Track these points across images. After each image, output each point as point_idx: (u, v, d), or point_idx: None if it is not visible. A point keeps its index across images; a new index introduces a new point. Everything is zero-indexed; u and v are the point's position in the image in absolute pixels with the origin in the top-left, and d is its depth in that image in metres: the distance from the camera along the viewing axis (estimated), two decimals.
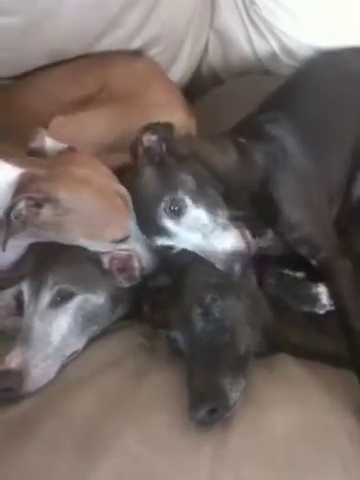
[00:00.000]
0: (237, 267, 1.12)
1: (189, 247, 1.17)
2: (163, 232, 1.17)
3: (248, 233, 1.15)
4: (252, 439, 0.94)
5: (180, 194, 1.16)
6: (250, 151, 1.29)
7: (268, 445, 0.93)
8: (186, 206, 1.16)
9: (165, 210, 1.15)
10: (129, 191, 1.19)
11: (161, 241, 1.19)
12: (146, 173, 1.19)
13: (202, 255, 1.15)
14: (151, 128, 1.20)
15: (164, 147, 1.20)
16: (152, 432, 0.96)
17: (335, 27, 1.62)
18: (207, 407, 0.94)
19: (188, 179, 1.18)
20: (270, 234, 1.25)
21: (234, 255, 1.12)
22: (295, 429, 0.96)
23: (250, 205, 1.24)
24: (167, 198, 1.15)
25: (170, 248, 1.20)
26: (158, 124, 1.22)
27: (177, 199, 1.15)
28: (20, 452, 0.96)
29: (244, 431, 0.95)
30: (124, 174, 1.23)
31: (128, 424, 0.97)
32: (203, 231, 1.15)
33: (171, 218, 1.16)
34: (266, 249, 1.25)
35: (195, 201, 1.16)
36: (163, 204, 1.15)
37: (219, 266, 1.13)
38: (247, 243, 1.14)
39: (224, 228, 1.15)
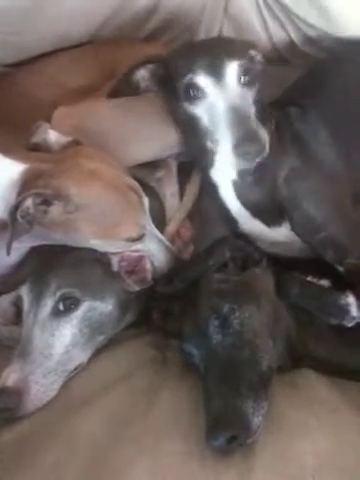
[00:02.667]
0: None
1: None
2: None
3: None
4: (279, 471, 0.86)
5: None
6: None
7: (297, 478, 0.85)
8: None
9: None
10: None
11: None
12: None
13: None
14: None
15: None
16: (165, 462, 0.89)
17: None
18: (227, 434, 0.87)
19: None
20: (284, 229, 1.20)
21: None
22: (327, 458, 0.88)
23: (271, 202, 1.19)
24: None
25: None
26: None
27: None
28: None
29: (269, 462, 0.88)
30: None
31: (138, 452, 0.90)
32: None
33: None
34: (282, 246, 1.20)
35: None
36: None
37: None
38: None
39: None
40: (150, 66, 1.20)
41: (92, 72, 1.42)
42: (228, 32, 1.79)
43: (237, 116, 1.06)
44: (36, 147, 1.12)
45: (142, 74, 1.21)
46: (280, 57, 1.76)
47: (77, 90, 1.38)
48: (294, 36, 1.70)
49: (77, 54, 1.47)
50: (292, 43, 1.71)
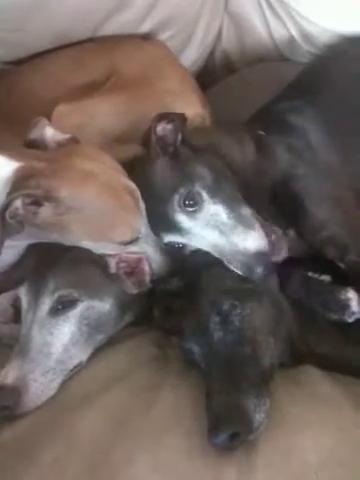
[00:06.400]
0: (259, 270, 1.03)
1: (204, 246, 1.09)
2: (175, 229, 1.09)
3: (276, 229, 1.06)
4: (281, 468, 0.85)
5: (196, 187, 1.08)
6: (270, 144, 1.23)
7: (300, 475, 0.84)
8: (203, 201, 1.07)
9: (179, 204, 1.07)
10: (139, 184, 1.10)
11: (172, 239, 1.11)
12: (159, 164, 1.12)
13: (219, 256, 1.06)
14: (166, 117, 1.13)
15: (179, 137, 1.13)
16: (166, 458, 0.88)
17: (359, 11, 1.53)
18: (229, 431, 0.86)
19: (204, 172, 1.10)
20: (292, 234, 1.17)
21: (256, 256, 1.03)
22: (329, 454, 0.87)
23: (269, 203, 1.17)
24: (182, 191, 1.07)
25: (182, 248, 1.12)
26: (173, 113, 1.15)
27: (193, 192, 1.07)
28: (18, 478, 0.88)
29: (271, 459, 0.86)
30: (134, 167, 1.15)
31: (139, 449, 0.89)
32: (221, 229, 1.06)
33: (185, 213, 1.08)
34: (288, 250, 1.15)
35: (213, 195, 1.08)
36: (177, 197, 1.07)
37: (238, 268, 1.04)
38: (272, 242, 1.04)
39: (246, 225, 1.06)
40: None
41: (92, 70, 1.41)
42: (228, 28, 1.80)
43: None
44: (33, 143, 1.10)
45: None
46: (280, 53, 1.76)
47: (77, 88, 1.37)
48: (294, 32, 1.70)
49: (77, 52, 1.46)
50: (292, 40, 1.71)
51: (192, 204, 1.07)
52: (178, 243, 1.11)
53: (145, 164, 1.14)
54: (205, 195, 1.08)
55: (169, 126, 1.13)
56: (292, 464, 0.86)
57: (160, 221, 1.10)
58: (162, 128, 1.12)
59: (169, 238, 1.10)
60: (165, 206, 1.08)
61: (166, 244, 1.12)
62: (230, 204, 1.08)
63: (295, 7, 1.66)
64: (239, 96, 1.56)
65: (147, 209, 1.10)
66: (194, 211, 1.07)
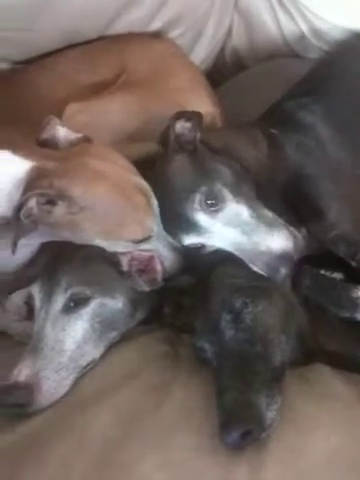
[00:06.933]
0: (283, 270, 1.03)
1: (225, 245, 1.08)
2: (194, 229, 1.07)
3: (297, 232, 1.06)
4: (291, 466, 0.85)
5: (218, 185, 1.06)
6: (281, 142, 1.23)
7: (309, 474, 0.84)
8: (225, 200, 1.06)
9: (200, 203, 1.06)
10: (155, 183, 1.09)
11: (190, 240, 1.09)
12: (178, 160, 1.10)
13: (240, 255, 1.05)
14: (184, 115, 1.13)
15: (198, 136, 1.12)
16: (176, 456, 0.87)
17: None
18: (240, 429, 0.85)
19: (225, 171, 1.09)
20: (303, 232, 1.16)
21: (281, 257, 1.02)
22: (339, 454, 0.86)
23: (281, 201, 1.16)
24: (203, 188, 1.06)
25: (199, 248, 1.10)
26: (192, 112, 1.14)
27: (215, 191, 1.06)
28: (28, 475, 0.88)
29: (281, 457, 0.86)
30: (145, 167, 1.13)
31: (149, 447, 0.89)
32: (243, 228, 1.05)
33: (206, 212, 1.06)
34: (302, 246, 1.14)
35: (236, 195, 1.07)
36: (198, 196, 1.06)
37: (261, 268, 1.03)
38: (295, 243, 1.03)
39: (271, 225, 1.05)
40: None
41: (102, 68, 1.42)
42: (238, 25, 1.79)
43: None
44: (45, 143, 1.10)
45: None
46: (290, 50, 1.75)
47: (87, 87, 1.38)
48: (305, 29, 1.69)
49: (87, 51, 1.46)
50: (303, 36, 1.70)
51: (214, 203, 1.05)
52: (197, 243, 1.10)
53: (163, 161, 1.13)
54: (228, 194, 1.07)
55: (188, 124, 1.12)
56: (302, 463, 0.85)
57: (178, 219, 1.08)
58: (181, 126, 1.12)
59: (188, 240, 1.09)
60: (184, 204, 1.06)
61: (184, 246, 1.10)
62: (252, 204, 1.07)
63: (305, 3, 1.65)
64: (249, 93, 1.56)
65: (165, 207, 1.08)
66: (215, 210, 1.06)
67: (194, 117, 1.13)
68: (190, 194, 1.06)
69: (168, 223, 1.09)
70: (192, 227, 1.07)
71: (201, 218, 1.06)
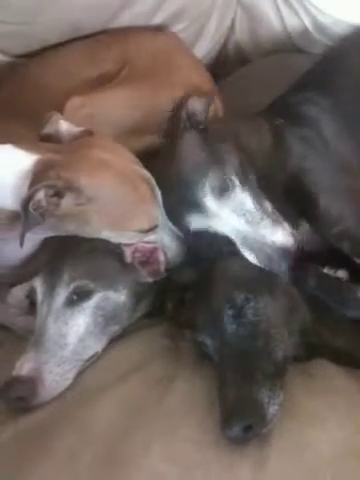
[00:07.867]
0: (283, 265, 1.03)
1: (229, 232, 1.07)
2: (201, 210, 1.07)
3: (292, 227, 1.06)
4: (294, 461, 0.85)
5: (228, 170, 1.06)
6: (285, 135, 1.22)
7: (313, 467, 0.84)
8: (234, 186, 1.06)
9: (212, 185, 1.05)
10: (160, 167, 1.09)
11: (197, 222, 1.08)
12: (191, 138, 1.10)
13: (241, 243, 1.05)
14: (196, 97, 1.13)
15: (208, 118, 1.12)
16: (179, 449, 0.87)
17: None
18: (242, 424, 0.85)
19: (233, 158, 1.09)
20: (304, 227, 1.16)
21: (283, 251, 1.03)
22: (342, 447, 0.86)
23: (281, 195, 1.15)
24: (215, 170, 1.06)
25: (203, 233, 1.09)
26: (203, 94, 1.15)
27: (225, 175, 1.06)
28: (33, 468, 0.88)
29: (285, 451, 0.86)
30: (147, 160, 1.13)
31: (152, 440, 0.89)
32: (248, 217, 1.06)
33: (216, 196, 1.06)
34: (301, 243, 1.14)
35: (242, 183, 1.07)
36: (210, 179, 1.05)
37: (261, 260, 1.04)
38: (295, 239, 1.04)
39: (274, 219, 1.06)
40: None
41: (104, 62, 1.41)
42: (241, 20, 1.78)
43: None
44: (48, 138, 1.10)
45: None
46: (294, 45, 1.74)
47: (90, 80, 1.37)
48: (308, 23, 1.68)
49: (89, 44, 1.46)
50: (306, 30, 1.69)
51: (224, 188, 1.06)
52: (203, 227, 1.09)
53: (173, 139, 1.12)
54: (236, 181, 1.07)
55: (199, 104, 1.12)
56: (305, 457, 0.85)
57: (187, 200, 1.08)
58: (192, 105, 1.12)
59: (194, 222, 1.09)
60: (196, 184, 1.06)
61: (189, 231, 1.10)
62: (256, 195, 1.08)
63: None
64: (252, 88, 1.55)
65: (173, 188, 1.08)
66: (224, 195, 1.06)
67: (204, 100, 1.13)
68: (201, 176, 1.06)
69: (176, 205, 1.09)
70: (200, 209, 1.07)
71: (210, 200, 1.06)
